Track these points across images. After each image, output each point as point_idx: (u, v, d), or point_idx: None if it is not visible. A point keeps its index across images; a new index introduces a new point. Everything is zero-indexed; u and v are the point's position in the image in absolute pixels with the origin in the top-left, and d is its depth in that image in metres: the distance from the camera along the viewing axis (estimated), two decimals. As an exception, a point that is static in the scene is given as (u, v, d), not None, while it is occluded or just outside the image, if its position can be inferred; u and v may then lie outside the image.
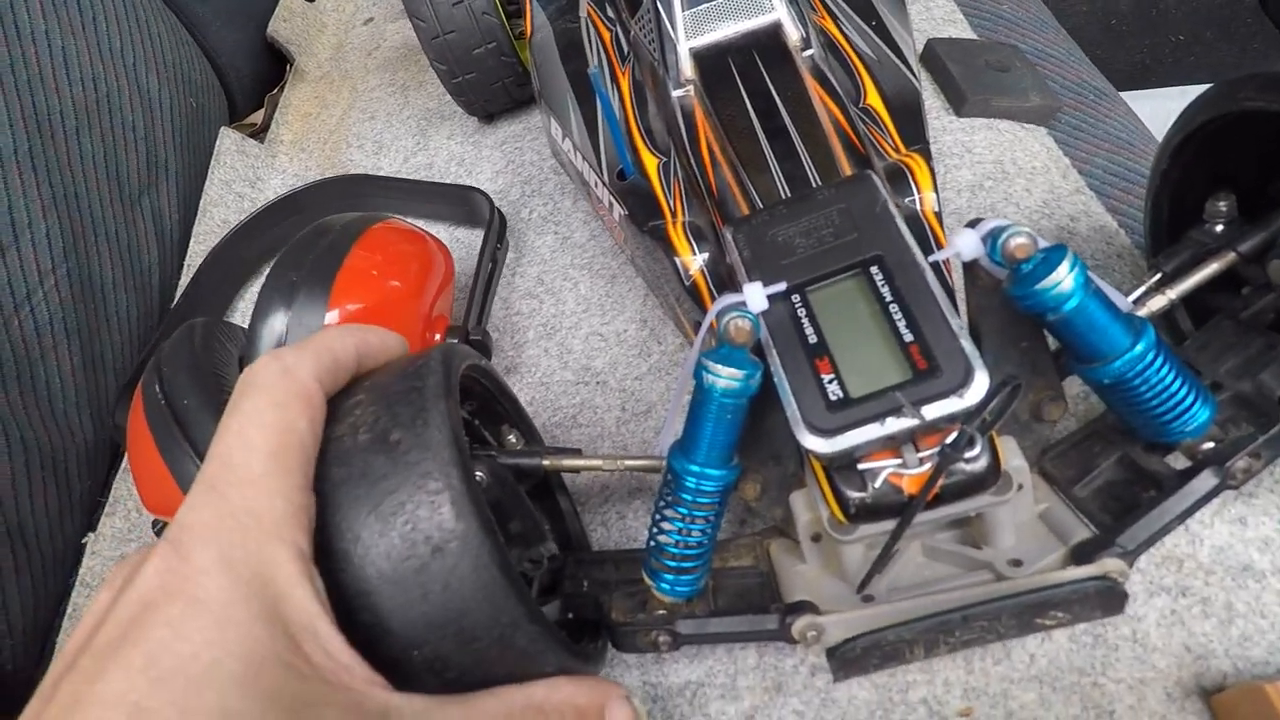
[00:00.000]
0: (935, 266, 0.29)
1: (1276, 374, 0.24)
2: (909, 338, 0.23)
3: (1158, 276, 0.27)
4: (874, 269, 0.25)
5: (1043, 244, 0.23)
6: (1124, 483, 0.26)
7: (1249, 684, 0.24)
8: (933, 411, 0.22)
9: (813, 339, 0.24)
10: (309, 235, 0.34)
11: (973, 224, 0.24)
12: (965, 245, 0.24)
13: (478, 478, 0.26)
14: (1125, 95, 0.52)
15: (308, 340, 0.23)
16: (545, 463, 0.29)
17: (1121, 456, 0.26)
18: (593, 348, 0.42)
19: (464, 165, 0.57)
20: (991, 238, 0.23)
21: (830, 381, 0.23)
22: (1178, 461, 0.25)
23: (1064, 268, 0.22)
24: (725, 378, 0.23)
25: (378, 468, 0.20)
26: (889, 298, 0.24)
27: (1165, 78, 0.98)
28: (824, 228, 0.26)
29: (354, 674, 0.19)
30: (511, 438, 0.30)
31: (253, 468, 0.19)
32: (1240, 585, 0.28)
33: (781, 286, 0.25)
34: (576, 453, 0.30)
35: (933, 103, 0.45)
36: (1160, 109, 0.32)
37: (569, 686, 0.22)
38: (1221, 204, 0.26)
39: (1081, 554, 0.24)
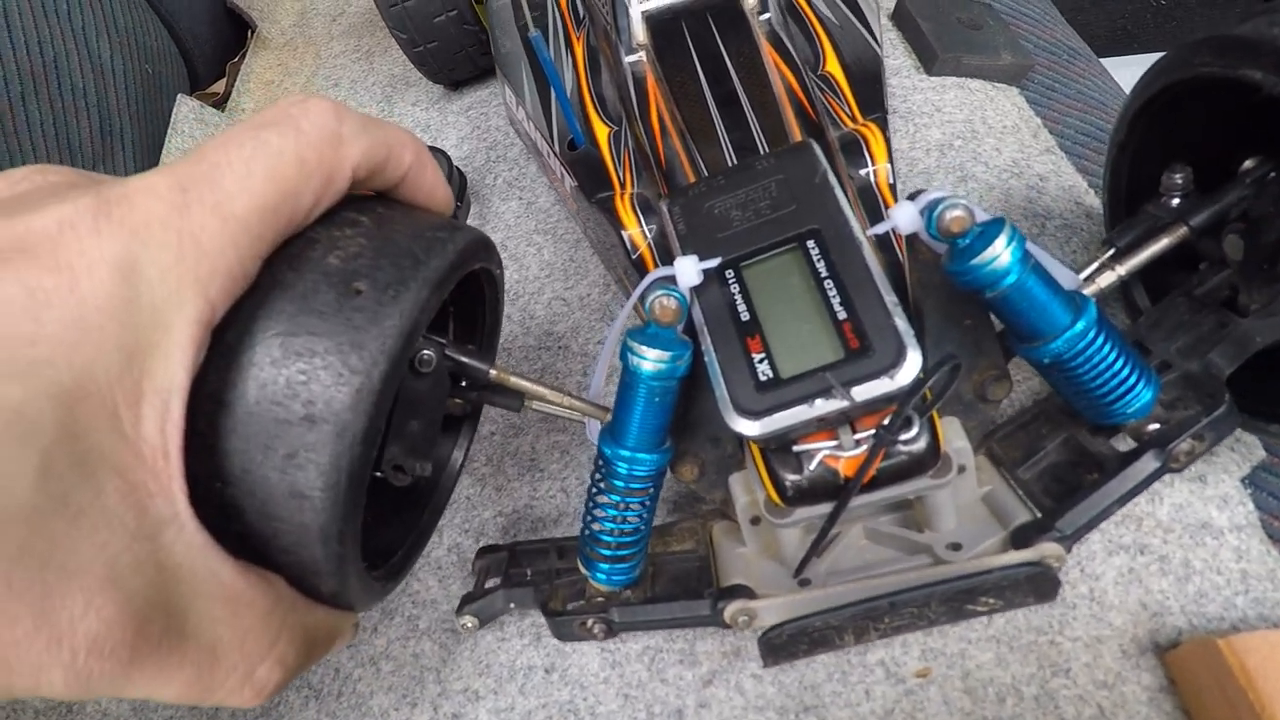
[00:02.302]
0: (885, 240, 0.28)
1: (1225, 353, 0.23)
2: (842, 315, 0.22)
3: (1111, 252, 0.26)
4: (810, 243, 0.24)
5: (982, 216, 0.22)
6: (1068, 465, 0.25)
7: (1202, 639, 0.24)
8: (863, 393, 0.21)
9: (745, 316, 0.23)
10: None
11: (913, 196, 0.23)
12: (903, 218, 0.22)
13: (426, 356, 0.23)
14: (1106, 61, 0.50)
15: (375, 123, 0.20)
16: (493, 372, 0.26)
17: (1067, 438, 0.25)
18: (555, 313, 0.42)
19: (429, 132, 0.56)
20: (928, 211, 0.22)
21: (761, 361, 0.22)
22: (1123, 443, 0.24)
23: (1000, 242, 0.21)
24: (651, 360, 0.22)
25: (320, 300, 0.18)
26: (824, 273, 0.23)
27: (1147, 43, 0.95)
28: (761, 199, 0.25)
29: (168, 465, 0.16)
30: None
31: (234, 204, 0.17)
32: (1198, 542, 0.27)
33: (715, 261, 0.24)
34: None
35: (903, 61, 0.44)
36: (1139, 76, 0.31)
37: (324, 612, 0.21)
38: (1177, 177, 0.25)
39: (1020, 538, 0.24)
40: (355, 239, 0.19)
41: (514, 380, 0.27)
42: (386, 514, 0.26)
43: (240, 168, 0.17)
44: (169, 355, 0.16)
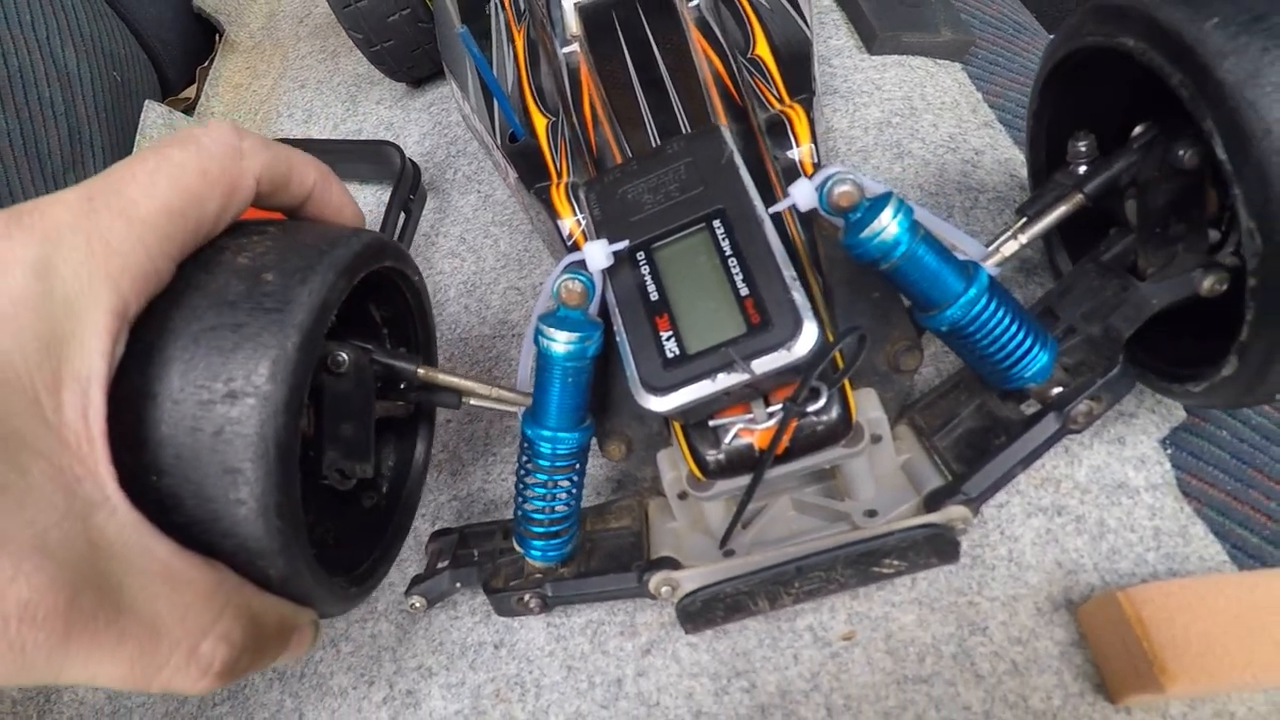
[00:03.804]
0: (806, 219, 0.29)
1: (1125, 316, 0.24)
2: (745, 292, 0.23)
3: (1022, 221, 0.26)
4: (716, 223, 0.24)
5: (874, 189, 0.23)
6: (980, 430, 0.26)
7: (1106, 592, 0.24)
8: (762, 365, 0.22)
9: (654, 296, 0.24)
10: None
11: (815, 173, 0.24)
12: (800, 195, 0.23)
13: (341, 358, 0.24)
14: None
15: (275, 144, 0.22)
16: (421, 371, 0.27)
17: (980, 405, 0.26)
18: (510, 302, 0.43)
19: (392, 129, 0.57)
20: (821, 187, 0.23)
21: (669, 339, 0.23)
22: (1031, 408, 0.25)
23: (886, 214, 0.21)
24: (561, 341, 0.23)
25: (232, 292, 0.19)
26: (729, 251, 0.24)
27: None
28: (672, 183, 0.26)
29: (93, 449, 0.17)
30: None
31: (138, 208, 0.18)
32: (1114, 502, 0.28)
33: (623, 244, 0.25)
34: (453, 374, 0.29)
35: (845, 41, 0.44)
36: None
37: (274, 600, 0.20)
38: (1081, 144, 0.26)
39: (932, 502, 0.25)
40: (263, 243, 0.21)
41: (443, 378, 0.28)
42: (354, 530, 0.27)
43: (144, 178, 0.18)
44: (85, 344, 0.17)
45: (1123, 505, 0.28)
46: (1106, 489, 0.28)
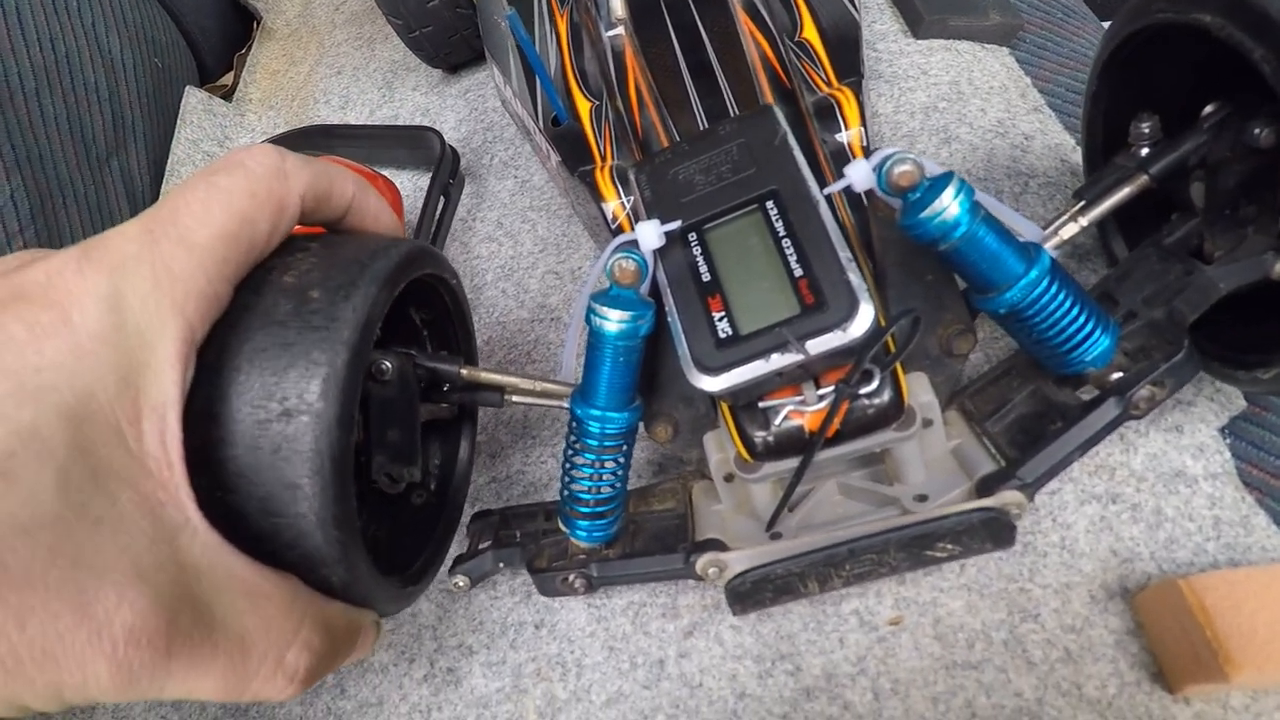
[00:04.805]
0: (857, 200, 0.29)
1: (1188, 301, 0.24)
2: (799, 272, 0.23)
3: (1079, 205, 0.26)
4: (769, 204, 0.24)
5: (933, 170, 0.22)
6: (1034, 416, 0.25)
7: (1165, 580, 0.24)
8: (817, 346, 0.22)
9: (706, 277, 0.24)
10: None
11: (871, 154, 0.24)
12: (857, 176, 0.23)
13: (385, 365, 0.25)
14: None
15: (314, 160, 0.22)
16: (464, 370, 0.28)
17: (1034, 390, 0.26)
18: (548, 285, 0.43)
19: (428, 116, 0.57)
20: (879, 167, 0.22)
21: (721, 319, 0.23)
22: (1089, 394, 0.25)
23: (948, 194, 0.21)
24: (614, 320, 0.23)
25: (280, 312, 0.20)
26: (782, 232, 0.23)
27: None
28: (724, 163, 0.25)
29: (173, 474, 0.17)
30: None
31: (197, 235, 0.19)
32: (1171, 491, 0.27)
33: (676, 224, 0.24)
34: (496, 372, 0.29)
35: (890, 25, 0.44)
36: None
37: (341, 606, 0.21)
38: (1144, 126, 0.25)
39: (984, 488, 0.24)
40: (306, 260, 0.21)
41: (485, 376, 0.28)
42: (404, 530, 0.28)
43: (198, 206, 0.19)
44: (159, 373, 0.18)
45: (1180, 494, 0.27)
46: (1164, 477, 0.27)
